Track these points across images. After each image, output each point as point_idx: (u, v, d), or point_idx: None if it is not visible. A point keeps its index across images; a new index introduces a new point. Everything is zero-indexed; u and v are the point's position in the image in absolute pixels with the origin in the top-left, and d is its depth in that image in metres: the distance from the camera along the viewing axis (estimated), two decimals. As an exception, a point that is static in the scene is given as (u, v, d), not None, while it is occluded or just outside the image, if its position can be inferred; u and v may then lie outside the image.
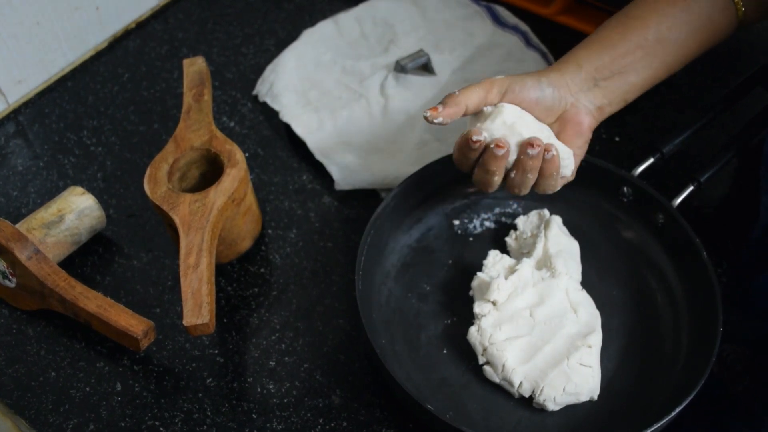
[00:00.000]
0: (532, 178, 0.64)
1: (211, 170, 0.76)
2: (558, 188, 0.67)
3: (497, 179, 0.65)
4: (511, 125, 0.64)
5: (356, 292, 0.68)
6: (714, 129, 0.83)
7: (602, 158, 0.78)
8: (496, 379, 0.68)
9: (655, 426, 0.62)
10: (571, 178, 0.69)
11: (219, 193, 0.70)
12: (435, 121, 0.63)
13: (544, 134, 0.65)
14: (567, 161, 0.66)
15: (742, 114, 0.84)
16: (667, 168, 0.80)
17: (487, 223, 0.80)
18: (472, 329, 0.70)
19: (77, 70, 0.95)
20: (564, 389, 0.66)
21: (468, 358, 0.70)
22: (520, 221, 0.78)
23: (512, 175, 0.65)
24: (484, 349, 0.69)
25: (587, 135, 0.68)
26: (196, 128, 0.75)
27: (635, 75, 0.69)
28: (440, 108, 0.63)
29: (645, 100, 0.92)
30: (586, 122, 0.68)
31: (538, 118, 0.67)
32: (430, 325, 0.73)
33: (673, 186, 0.76)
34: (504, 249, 0.78)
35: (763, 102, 0.82)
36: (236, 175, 0.72)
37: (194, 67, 0.80)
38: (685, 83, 0.94)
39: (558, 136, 0.67)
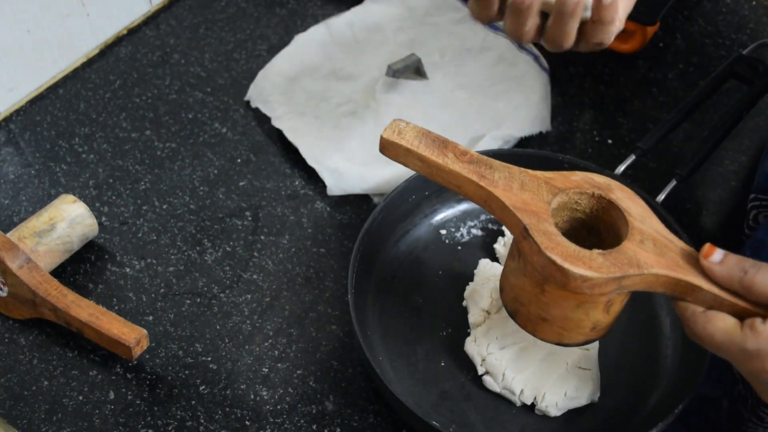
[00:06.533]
0: (572, 29, 0.54)
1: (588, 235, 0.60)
2: (611, 41, 0.57)
3: (529, 27, 0.55)
4: None
5: (351, 313, 0.67)
6: (694, 124, 0.83)
7: (594, 161, 0.78)
8: (497, 389, 0.68)
9: (660, 425, 0.62)
10: (621, 27, 0.59)
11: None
12: None
13: None
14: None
15: (720, 106, 0.84)
16: (650, 165, 0.80)
17: (474, 231, 0.80)
18: (469, 340, 0.69)
19: (68, 77, 0.94)
20: (565, 394, 0.66)
21: (466, 368, 0.70)
22: (508, 227, 0.78)
23: (549, 24, 0.55)
24: (483, 359, 0.68)
25: None
26: None
27: None
28: None
29: (637, 102, 0.93)
30: None
31: None
32: (425, 338, 0.72)
33: (656, 183, 0.76)
34: (493, 255, 0.77)
35: (739, 92, 0.82)
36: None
37: None
38: (677, 85, 0.94)
39: None
